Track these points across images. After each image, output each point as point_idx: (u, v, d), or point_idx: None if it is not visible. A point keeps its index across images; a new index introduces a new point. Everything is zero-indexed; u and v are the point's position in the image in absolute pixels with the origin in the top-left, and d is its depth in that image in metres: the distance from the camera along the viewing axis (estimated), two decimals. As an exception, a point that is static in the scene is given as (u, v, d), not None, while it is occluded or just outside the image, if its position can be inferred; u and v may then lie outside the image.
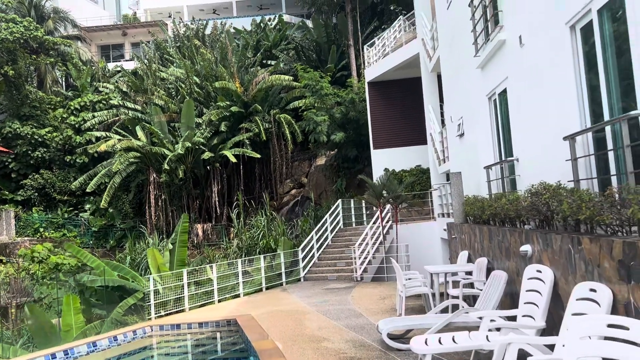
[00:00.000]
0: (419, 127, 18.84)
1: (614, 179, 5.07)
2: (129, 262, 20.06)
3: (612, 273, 4.11)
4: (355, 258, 15.54)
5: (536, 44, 6.73)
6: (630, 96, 4.71)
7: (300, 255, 16.33)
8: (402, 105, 20.25)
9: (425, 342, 5.42)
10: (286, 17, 36.45)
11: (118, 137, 26.31)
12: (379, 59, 20.59)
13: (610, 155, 5.16)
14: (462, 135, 11.49)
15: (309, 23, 32.63)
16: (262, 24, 34.09)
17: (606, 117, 5.17)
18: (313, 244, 17.00)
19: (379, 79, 20.34)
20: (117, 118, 28.57)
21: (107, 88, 31.24)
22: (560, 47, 5.95)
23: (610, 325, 3.43)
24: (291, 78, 26.24)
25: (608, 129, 5.14)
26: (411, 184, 19.48)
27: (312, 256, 16.86)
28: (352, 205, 19.60)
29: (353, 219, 19.39)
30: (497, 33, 8.02)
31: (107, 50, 42.71)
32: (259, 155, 25.19)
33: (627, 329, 3.24)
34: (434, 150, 15.86)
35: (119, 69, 34.89)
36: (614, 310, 4.10)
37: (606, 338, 3.50)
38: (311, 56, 30.45)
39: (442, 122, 15.57)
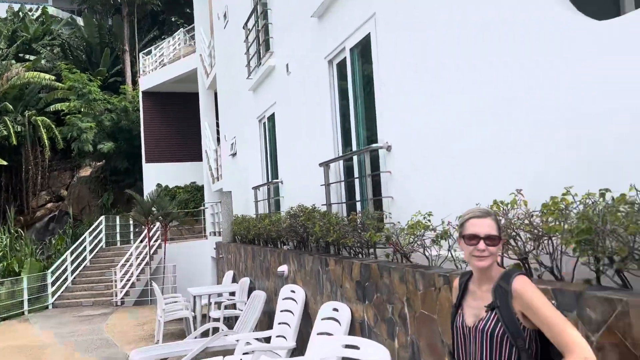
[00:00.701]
0: (195, 143, 18.46)
1: (358, 205, 5.52)
2: None
3: (352, 293, 4.39)
4: (116, 281, 14.27)
5: (300, 74, 7.08)
6: (373, 129, 5.20)
7: (50, 279, 14.33)
8: (179, 119, 19.66)
9: (177, 373, 5.08)
10: (52, 10, 32.50)
11: None
12: (156, 69, 19.69)
13: (357, 182, 5.61)
14: (234, 154, 11.55)
15: (80, 21, 29.66)
16: (20, 13, 29.77)
17: (354, 147, 5.62)
18: (67, 266, 15.10)
19: (155, 89, 19.42)
20: None
21: None
22: (320, 79, 6.34)
23: (346, 346, 3.60)
24: (54, 77, 23.30)
25: (355, 158, 5.59)
26: (185, 201, 18.92)
27: (66, 279, 14.95)
28: (117, 222, 18.11)
29: (118, 238, 17.92)
30: (268, 58, 8.25)
31: None
32: (5, 163, 21.57)
33: (358, 348, 3.43)
34: (209, 168, 15.67)
35: None
36: (352, 329, 4.38)
37: (344, 358, 3.68)
38: (80, 56, 27.62)
39: (218, 139, 15.52)
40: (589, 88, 2.65)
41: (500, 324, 1.89)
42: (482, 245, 1.94)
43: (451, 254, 3.43)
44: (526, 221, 2.68)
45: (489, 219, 2.00)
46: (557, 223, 2.46)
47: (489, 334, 1.91)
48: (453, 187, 3.76)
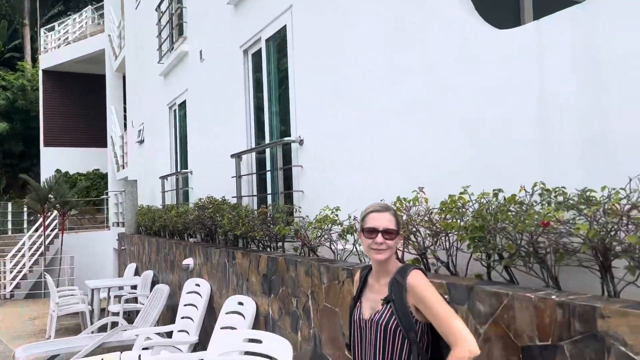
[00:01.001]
0: (99, 128, 17.45)
1: (269, 198, 5.48)
2: None
3: (258, 287, 4.35)
4: (5, 272, 13.17)
5: (214, 62, 6.90)
6: (287, 123, 5.17)
7: None
8: (83, 102, 18.48)
9: (68, 371, 4.78)
10: None
11: None
12: (60, 47, 18.34)
13: (269, 175, 5.57)
14: (142, 142, 11.05)
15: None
16: None
17: (267, 140, 5.57)
18: (-53, 256, 13.69)
19: (57, 68, 18.10)
20: None
21: None
22: (235, 68, 6.21)
23: (249, 340, 3.56)
24: None
25: (268, 151, 5.55)
26: (86, 188, 17.85)
27: (-56, 271, 13.55)
28: (9, 209, 16.70)
29: (9, 226, 16.54)
30: (181, 44, 7.96)
31: None
32: None
33: (260, 341, 3.41)
34: (114, 155, 14.87)
35: None
36: (257, 322, 4.34)
37: (246, 352, 3.63)
38: (-29, 27, 25.10)
39: (125, 125, 14.76)
40: (488, 92, 2.80)
41: (394, 317, 1.94)
42: (380, 238, 1.98)
43: (356, 248, 3.50)
44: (426, 218, 2.79)
45: (388, 213, 2.05)
46: (454, 220, 2.58)
47: (382, 326, 1.96)
48: (361, 183, 3.83)
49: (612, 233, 1.86)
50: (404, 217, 2.96)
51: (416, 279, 1.96)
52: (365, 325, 2.04)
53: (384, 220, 2.02)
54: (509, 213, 2.29)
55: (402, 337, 1.94)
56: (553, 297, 1.90)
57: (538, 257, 2.17)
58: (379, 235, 1.99)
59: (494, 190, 2.52)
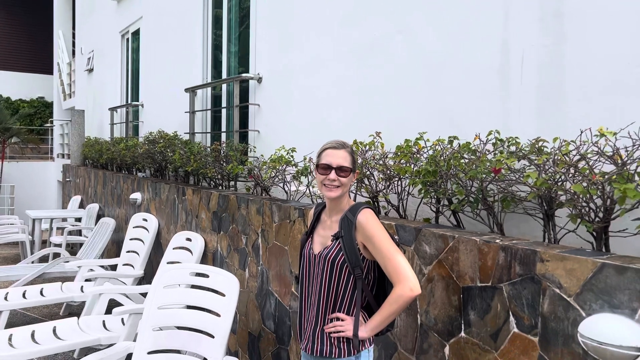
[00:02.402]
0: (46, 54, 16.45)
1: (223, 136, 5.37)
2: None
3: (207, 223, 4.32)
4: (-62, 198, 12.53)
5: (173, -11, 6.53)
6: (245, 59, 5.01)
7: None
8: (28, 24, 17.28)
9: (6, 297, 4.65)
10: None
11: None
12: (1, -40, 16.89)
13: (224, 112, 5.43)
14: (91, 70, 10.49)
15: None
16: None
17: (224, 76, 5.39)
18: None
19: (-2, -16, 16.72)
20: None
21: None
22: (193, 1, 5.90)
23: (196, 274, 3.54)
24: None
25: (224, 87, 5.38)
26: (29, 116, 16.99)
27: None
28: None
29: (-57, 150, 15.58)
30: (137, -34, 7.47)
31: None
32: None
33: (207, 276, 3.40)
34: (60, 83, 14.11)
35: None
36: (205, 258, 4.33)
37: (193, 286, 3.62)
38: None
39: (74, 52, 13.94)
40: (451, 38, 2.77)
41: (342, 253, 1.96)
42: (333, 175, 1.97)
43: (309, 189, 3.49)
44: (381, 162, 2.79)
45: (343, 150, 2.01)
46: (408, 165, 2.59)
47: (330, 261, 1.98)
48: (318, 125, 3.78)
49: (559, 183, 1.92)
50: (359, 161, 2.96)
51: (365, 217, 1.97)
52: (314, 259, 2.05)
53: (339, 158, 1.99)
54: (462, 160, 2.32)
55: (348, 273, 1.97)
56: (497, 241, 1.96)
57: (486, 203, 2.23)
58: (333, 172, 1.97)
59: (449, 137, 2.54)
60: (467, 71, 2.67)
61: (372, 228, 1.94)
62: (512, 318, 1.87)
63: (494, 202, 2.24)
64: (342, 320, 1.98)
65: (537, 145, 2.03)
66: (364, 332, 1.94)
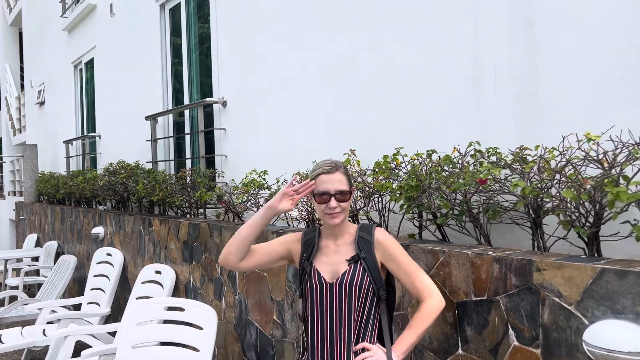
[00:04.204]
0: (-9, 88, 15.78)
1: (188, 163, 5.22)
2: None
3: (177, 254, 4.14)
4: None
5: (127, 16, 6.39)
6: (207, 83, 4.91)
7: None
8: (-29, 58, 16.57)
9: (-41, 349, 4.31)
10: None
11: None
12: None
13: (187, 139, 5.29)
14: (42, 103, 10.13)
15: None
16: None
17: (186, 101, 5.27)
18: None
19: (-62, 18, 16.03)
20: None
21: None
22: (150, 24, 5.78)
23: (169, 308, 3.37)
24: None
25: (187, 113, 5.25)
26: (-24, 154, 16.19)
27: None
28: None
29: None
30: (88, -5, 7.30)
31: None
32: None
33: (183, 309, 3.24)
34: (9, 118, 13.57)
35: None
36: (176, 291, 4.14)
37: (166, 321, 3.44)
38: None
39: (22, 85, 13.46)
40: (422, 51, 2.78)
41: (366, 275, 1.85)
42: (333, 202, 1.85)
43: (285, 213, 3.39)
44: (359, 179, 2.74)
45: (338, 173, 1.89)
46: (389, 181, 2.55)
47: (357, 286, 1.85)
48: (290, 146, 3.71)
49: (545, 190, 1.91)
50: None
51: (384, 235, 1.91)
52: (329, 289, 1.88)
53: (335, 182, 1.86)
54: (443, 173, 2.29)
55: (372, 295, 1.86)
56: (490, 252, 1.92)
57: (472, 215, 2.20)
58: (332, 199, 1.84)
59: (427, 150, 2.52)
60: (441, 84, 2.67)
61: (393, 245, 1.89)
62: (511, 331, 1.83)
63: (479, 213, 2.22)
64: (368, 350, 1.83)
65: (520, 154, 2.02)
66: (398, 355, 1.79)
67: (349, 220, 2.10)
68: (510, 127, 2.36)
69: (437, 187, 2.26)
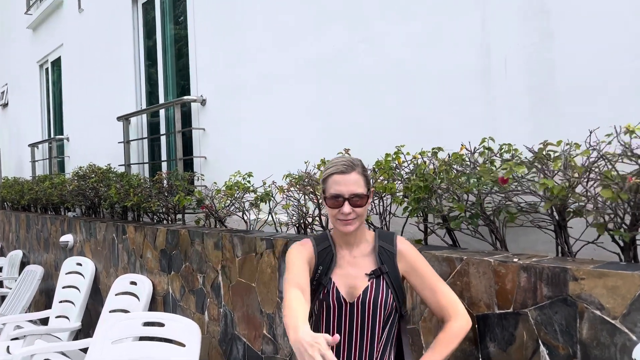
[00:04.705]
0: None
1: (164, 165, 4.93)
2: None
3: (154, 264, 3.86)
4: None
5: (96, 12, 6.05)
6: (185, 80, 4.64)
7: None
8: None
9: None
10: None
11: None
12: None
13: (163, 140, 5.00)
14: (5, 105, 9.63)
15: None
16: None
17: (162, 100, 4.98)
18: None
19: None
20: None
21: None
22: (122, 20, 5.47)
23: (147, 324, 3.09)
24: None
25: (163, 112, 4.96)
26: None
27: None
28: None
29: None
30: (54, -10, 6.92)
31: None
32: None
33: (162, 325, 2.96)
34: (-30, 121, 12.93)
35: None
36: (154, 303, 3.85)
37: (143, 338, 3.17)
38: None
39: (-17, 87, 12.83)
40: (423, 43, 2.58)
41: (390, 292, 1.63)
42: (346, 207, 1.59)
43: (272, 217, 3.16)
44: (358, 180, 2.52)
45: (354, 173, 1.61)
46: (391, 181, 2.34)
47: (381, 305, 1.61)
48: (277, 146, 3.48)
49: (571, 189, 1.73)
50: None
51: (406, 244, 1.71)
52: (348, 309, 1.64)
53: (350, 184, 1.60)
54: (454, 172, 2.09)
55: (395, 313, 1.65)
56: (515, 260, 1.72)
57: (488, 218, 2.00)
58: (346, 203, 1.59)
59: (432, 148, 2.32)
60: (443, 78, 2.48)
61: (416, 256, 1.69)
62: (542, 347, 1.63)
63: (493, 215, 2.03)
64: None
65: (544, 150, 1.83)
66: None
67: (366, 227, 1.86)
68: (523, 122, 2.18)
69: (447, 188, 2.06)
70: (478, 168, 1.99)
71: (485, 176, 1.87)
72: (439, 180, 2.09)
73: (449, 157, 2.16)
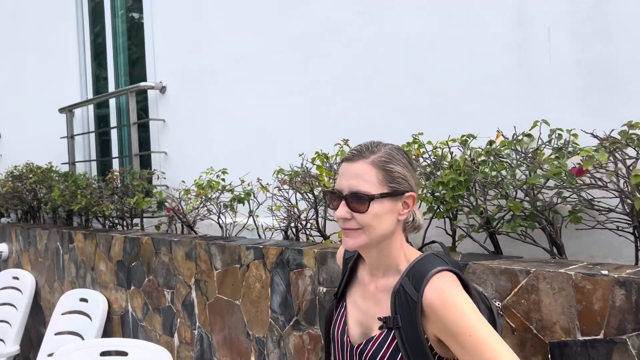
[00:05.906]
0: None
1: (116, 163, 4.33)
2: None
3: (109, 277, 3.29)
4: None
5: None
6: (140, 65, 4.07)
7: None
8: None
9: None
10: None
11: None
12: None
13: (114, 133, 4.40)
14: None
15: None
16: None
17: (112, 88, 4.38)
18: None
19: None
20: None
21: None
22: (62, -3, 4.80)
23: (103, 353, 2.55)
24: None
25: (113, 102, 4.36)
26: None
27: None
28: None
29: None
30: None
31: None
32: None
33: (125, 354, 2.44)
34: None
35: None
36: (110, 324, 3.29)
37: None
38: None
39: None
40: (443, 9, 2.20)
41: (400, 355, 1.12)
42: (341, 210, 1.14)
43: (253, 219, 2.70)
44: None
45: (361, 162, 1.14)
46: (418, 177, 1.93)
47: None
48: (257, 136, 3.00)
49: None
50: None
51: (441, 297, 1.08)
52: (349, 353, 1.22)
53: (351, 177, 1.14)
54: (503, 163, 1.71)
55: None
56: (604, 272, 1.35)
57: (544, 218, 1.63)
58: (342, 203, 1.15)
59: (462, 136, 1.93)
60: (465, 53, 2.10)
61: (457, 318, 1.06)
62: (649, 385, 1.27)
63: (549, 214, 1.66)
64: None
65: (628, 132, 1.47)
66: None
67: (407, 242, 1.29)
68: (574, 103, 1.83)
69: (497, 183, 1.67)
70: (534, 158, 1.61)
71: (551, 168, 1.50)
72: (482, 174, 1.70)
73: (492, 144, 1.77)
